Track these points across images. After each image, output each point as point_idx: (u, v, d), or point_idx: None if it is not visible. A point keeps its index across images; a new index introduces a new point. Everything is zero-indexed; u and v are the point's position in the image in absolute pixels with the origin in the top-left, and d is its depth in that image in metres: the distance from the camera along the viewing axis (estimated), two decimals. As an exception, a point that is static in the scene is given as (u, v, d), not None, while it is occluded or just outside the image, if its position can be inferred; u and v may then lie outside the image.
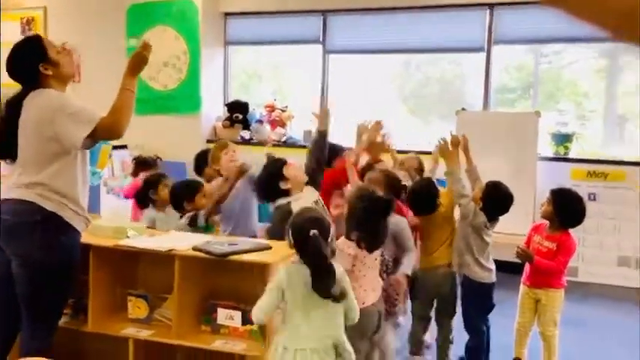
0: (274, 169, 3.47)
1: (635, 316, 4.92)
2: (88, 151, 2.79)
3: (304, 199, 3.34)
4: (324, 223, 2.46)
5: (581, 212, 3.65)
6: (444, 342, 3.75)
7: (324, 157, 3.63)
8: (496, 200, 3.59)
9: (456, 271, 3.70)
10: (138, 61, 2.73)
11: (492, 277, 3.65)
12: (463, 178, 3.72)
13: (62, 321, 3.01)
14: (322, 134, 3.61)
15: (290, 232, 2.43)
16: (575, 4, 0.60)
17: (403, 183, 3.75)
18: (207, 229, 3.60)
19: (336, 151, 4.07)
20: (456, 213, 3.74)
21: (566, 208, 3.62)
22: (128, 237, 2.99)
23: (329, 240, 2.43)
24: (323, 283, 2.34)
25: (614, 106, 6.35)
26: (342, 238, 2.89)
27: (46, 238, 2.63)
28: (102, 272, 3.00)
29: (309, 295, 2.37)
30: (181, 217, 3.70)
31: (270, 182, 3.42)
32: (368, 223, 2.84)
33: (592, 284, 5.63)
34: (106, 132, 2.64)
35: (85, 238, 2.97)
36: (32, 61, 2.72)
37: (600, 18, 0.59)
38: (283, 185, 3.39)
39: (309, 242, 2.36)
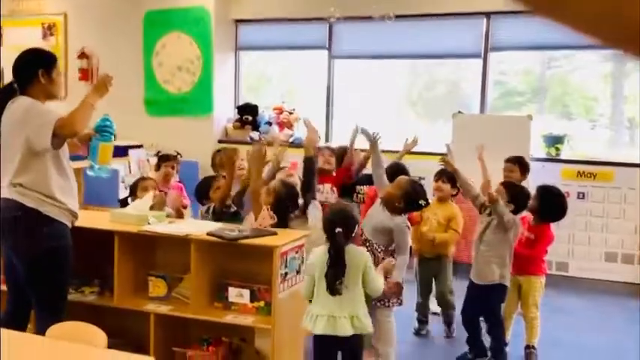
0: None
1: (619, 307, 5.24)
2: (64, 148, 3.06)
3: None
4: (350, 219, 2.98)
5: (560, 207, 3.99)
6: None
7: (314, 179, 3.99)
8: (522, 199, 3.85)
9: (499, 282, 3.85)
10: (101, 86, 3.12)
11: None
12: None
13: (90, 298, 3.41)
14: (310, 159, 3.90)
15: (322, 223, 3.01)
16: (578, 14, 0.47)
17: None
18: (222, 219, 3.92)
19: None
20: None
21: (548, 203, 3.97)
22: (149, 224, 3.36)
23: (352, 234, 2.99)
24: (335, 270, 2.86)
25: (621, 110, 6.65)
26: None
27: (28, 230, 2.98)
28: (125, 255, 3.37)
29: None
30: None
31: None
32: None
33: (581, 279, 5.95)
34: (61, 128, 2.92)
35: (111, 225, 3.37)
36: (36, 63, 3.06)
37: (611, 30, 0.47)
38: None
39: (334, 237, 2.89)
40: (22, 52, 3.16)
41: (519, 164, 4.66)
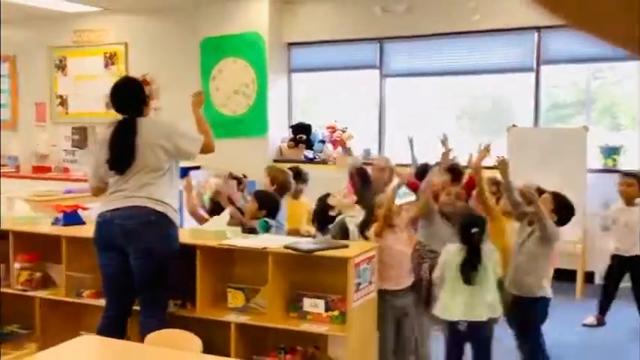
0: (321, 204, 4.29)
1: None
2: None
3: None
4: (482, 220, 3.43)
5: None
6: None
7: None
8: (567, 213, 3.68)
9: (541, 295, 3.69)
10: (198, 100, 3.83)
11: None
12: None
13: (174, 310, 3.62)
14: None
15: (458, 226, 3.45)
16: (603, 24, 0.47)
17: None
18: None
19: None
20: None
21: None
22: (228, 238, 3.55)
23: (484, 233, 3.40)
24: (471, 266, 3.33)
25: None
26: None
27: (161, 233, 3.34)
28: (206, 268, 3.57)
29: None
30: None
31: (322, 213, 4.26)
32: None
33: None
34: (206, 148, 3.60)
35: (192, 240, 3.58)
36: (142, 89, 3.61)
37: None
38: (332, 212, 4.20)
39: (471, 237, 3.35)
40: (124, 81, 3.63)
41: (637, 179, 4.80)
